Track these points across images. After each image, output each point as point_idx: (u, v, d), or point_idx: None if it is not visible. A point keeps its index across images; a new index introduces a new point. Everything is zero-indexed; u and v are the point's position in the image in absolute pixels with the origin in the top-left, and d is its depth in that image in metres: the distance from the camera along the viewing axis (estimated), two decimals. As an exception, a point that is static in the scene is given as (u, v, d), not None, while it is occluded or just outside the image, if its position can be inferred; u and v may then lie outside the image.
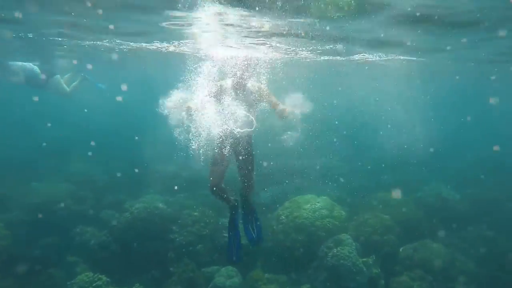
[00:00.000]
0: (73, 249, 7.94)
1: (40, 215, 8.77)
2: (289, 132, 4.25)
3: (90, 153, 12.03)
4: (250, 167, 4.88)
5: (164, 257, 7.37)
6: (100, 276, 6.63)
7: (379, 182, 11.08)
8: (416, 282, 6.64)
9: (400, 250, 7.50)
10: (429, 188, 10.26)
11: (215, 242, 7.84)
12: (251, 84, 4.60)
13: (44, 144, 11.58)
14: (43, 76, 8.91)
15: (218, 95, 4.56)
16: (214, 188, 4.84)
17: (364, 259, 6.94)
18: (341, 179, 11.46)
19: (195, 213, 8.18)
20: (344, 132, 15.63)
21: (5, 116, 20.86)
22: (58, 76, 9.31)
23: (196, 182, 10.32)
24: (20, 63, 8.92)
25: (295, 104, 4.19)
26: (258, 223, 5.32)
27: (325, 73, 15.02)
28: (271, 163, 12.93)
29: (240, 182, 5.06)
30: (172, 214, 8.34)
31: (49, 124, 16.86)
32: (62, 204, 9.23)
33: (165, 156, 13.69)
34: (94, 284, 6.43)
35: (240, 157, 4.87)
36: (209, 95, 4.51)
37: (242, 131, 4.21)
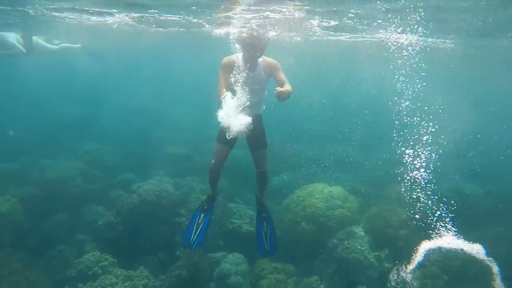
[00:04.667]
0: (82, 228, 7.99)
1: (52, 192, 8.90)
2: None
3: (103, 132, 12.06)
4: (262, 150, 4.69)
5: (171, 241, 7.31)
6: (106, 256, 6.64)
7: (397, 174, 10.61)
8: (430, 279, 6.31)
9: (415, 245, 7.14)
10: (449, 181, 9.73)
11: (222, 228, 7.71)
12: (263, 58, 4.32)
13: (11, 132, 11.65)
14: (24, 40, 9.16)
15: (228, 71, 4.29)
16: (214, 170, 4.73)
17: (376, 253, 6.65)
18: (357, 169, 11.08)
19: (204, 197, 8.01)
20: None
21: (18, 92, 21.19)
22: (35, 37, 9.64)
23: (207, 166, 10.16)
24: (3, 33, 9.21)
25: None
26: (273, 231, 5.15)
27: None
28: (284, 148, 12.68)
29: (255, 167, 4.88)
30: (181, 198, 8.22)
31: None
32: (73, 182, 9.28)
33: (178, 139, 13.66)
34: (100, 264, 6.44)
35: (251, 139, 4.65)
36: (227, 72, 4.23)
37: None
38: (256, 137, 4.62)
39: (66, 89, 24.88)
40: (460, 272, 6.43)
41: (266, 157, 4.74)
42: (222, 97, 3.87)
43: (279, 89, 3.79)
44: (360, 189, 9.52)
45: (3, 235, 7.24)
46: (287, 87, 4.01)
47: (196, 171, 10.26)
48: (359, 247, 6.44)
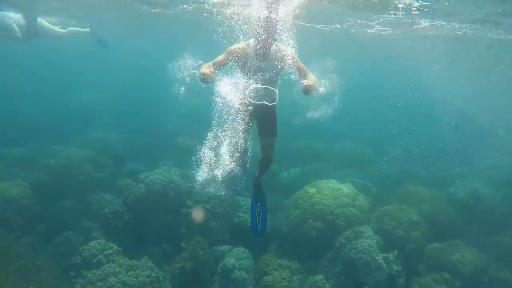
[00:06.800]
0: (89, 215, 8.03)
1: (61, 178, 8.95)
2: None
3: (113, 121, 12.08)
4: (271, 138, 4.60)
5: (176, 232, 7.25)
6: (111, 244, 6.60)
7: (410, 173, 10.31)
8: (441, 285, 6.09)
9: (426, 248, 6.91)
10: (465, 183, 9.37)
11: (228, 221, 7.61)
12: (277, 46, 4.07)
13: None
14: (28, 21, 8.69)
15: (239, 59, 4.10)
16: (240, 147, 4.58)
17: (385, 255, 6.44)
18: (369, 167, 10.81)
19: (211, 190, 7.92)
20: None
21: (31, 80, 21.44)
22: (39, 19, 9.19)
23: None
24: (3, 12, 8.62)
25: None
26: (265, 212, 5.08)
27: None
28: (295, 142, 12.47)
29: (261, 152, 4.80)
30: (187, 189, 8.14)
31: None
32: (82, 169, 9.31)
33: (188, 129, 13.58)
34: (104, 252, 6.41)
35: (262, 126, 4.51)
36: (229, 58, 4.06)
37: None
38: (267, 125, 4.51)
39: (77, 77, 25.08)
40: (473, 279, 6.19)
41: (274, 145, 4.68)
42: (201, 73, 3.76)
43: (306, 82, 3.55)
44: (371, 187, 9.27)
45: (13, 219, 7.33)
46: (311, 78, 3.75)
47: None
48: (368, 248, 6.25)
